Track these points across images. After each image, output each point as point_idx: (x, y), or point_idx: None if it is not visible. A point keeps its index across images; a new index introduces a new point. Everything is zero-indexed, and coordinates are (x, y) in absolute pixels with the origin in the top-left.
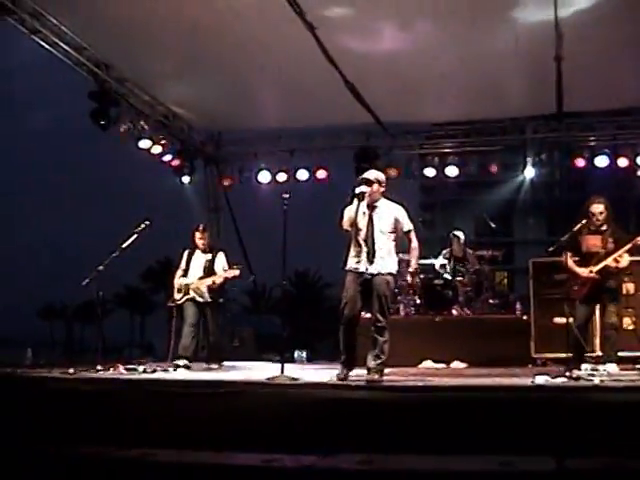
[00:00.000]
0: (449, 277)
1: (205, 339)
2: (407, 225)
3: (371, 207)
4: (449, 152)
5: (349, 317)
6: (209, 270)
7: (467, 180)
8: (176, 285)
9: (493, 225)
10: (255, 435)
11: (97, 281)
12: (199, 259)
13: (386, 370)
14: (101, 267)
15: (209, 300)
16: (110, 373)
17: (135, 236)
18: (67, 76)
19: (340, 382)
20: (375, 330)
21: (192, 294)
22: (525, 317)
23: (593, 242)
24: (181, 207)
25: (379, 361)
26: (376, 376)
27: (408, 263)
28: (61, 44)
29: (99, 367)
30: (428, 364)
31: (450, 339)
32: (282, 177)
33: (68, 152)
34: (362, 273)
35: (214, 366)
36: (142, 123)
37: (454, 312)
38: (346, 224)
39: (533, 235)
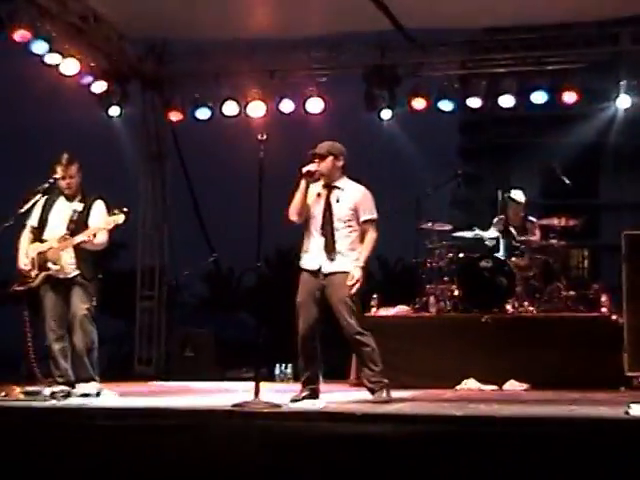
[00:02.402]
0: (502, 257)
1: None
2: (369, 213)
3: (329, 188)
4: (503, 72)
5: (304, 328)
6: (79, 227)
7: (529, 115)
8: (21, 256)
9: (568, 181)
10: None
11: None
12: (62, 211)
13: (409, 393)
14: None
15: (75, 275)
16: (2, 400)
17: (37, 198)
18: None
19: (334, 411)
20: (354, 342)
21: (51, 268)
22: (615, 317)
23: None
24: (109, 153)
25: (377, 376)
26: (384, 394)
27: (440, 237)
28: None
29: None
30: (471, 384)
31: (503, 348)
32: (257, 109)
33: None
34: (317, 272)
35: (83, 390)
36: (48, 27)
37: (509, 308)
38: (293, 212)
39: (628, 197)
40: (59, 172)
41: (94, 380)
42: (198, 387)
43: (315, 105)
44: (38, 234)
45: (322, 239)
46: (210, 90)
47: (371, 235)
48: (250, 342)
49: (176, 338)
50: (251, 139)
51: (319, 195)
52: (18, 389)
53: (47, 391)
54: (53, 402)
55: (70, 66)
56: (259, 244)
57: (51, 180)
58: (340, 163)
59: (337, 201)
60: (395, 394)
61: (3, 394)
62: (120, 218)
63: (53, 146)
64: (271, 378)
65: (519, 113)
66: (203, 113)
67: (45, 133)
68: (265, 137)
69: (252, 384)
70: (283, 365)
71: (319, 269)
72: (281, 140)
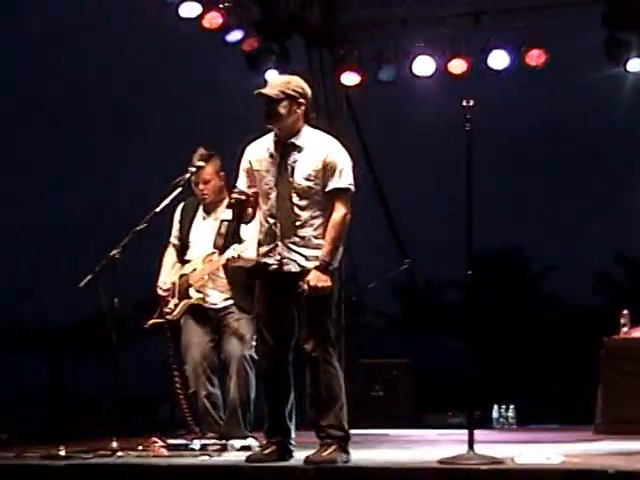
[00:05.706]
0: None
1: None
2: (339, 179)
3: (285, 147)
4: None
5: (263, 353)
6: (230, 241)
7: None
8: (162, 277)
9: None
10: None
11: (108, 279)
12: (206, 224)
13: None
14: (115, 251)
15: (227, 305)
16: (139, 456)
17: (176, 192)
18: None
19: (578, 467)
20: (312, 363)
21: (194, 296)
22: None
23: None
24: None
25: (330, 420)
26: (332, 452)
27: None
28: None
29: (115, 445)
30: None
31: None
32: (459, 66)
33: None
34: (274, 272)
35: (235, 444)
36: None
37: None
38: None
39: None
40: (192, 177)
41: (250, 438)
42: (391, 437)
43: (535, 57)
44: (180, 254)
45: (279, 224)
46: (396, 43)
47: (337, 214)
48: (459, 376)
49: (360, 372)
50: (453, 106)
51: (272, 157)
52: (159, 442)
53: (196, 444)
54: (205, 458)
55: (212, 18)
56: (470, 247)
57: (195, 167)
58: (301, 109)
59: (298, 164)
60: None
61: (140, 448)
62: None
63: (194, 123)
64: (487, 423)
65: None
66: (386, 74)
67: (182, 106)
68: (473, 103)
69: (463, 432)
70: (503, 407)
71: (279, 267)
72: (493, 106)
